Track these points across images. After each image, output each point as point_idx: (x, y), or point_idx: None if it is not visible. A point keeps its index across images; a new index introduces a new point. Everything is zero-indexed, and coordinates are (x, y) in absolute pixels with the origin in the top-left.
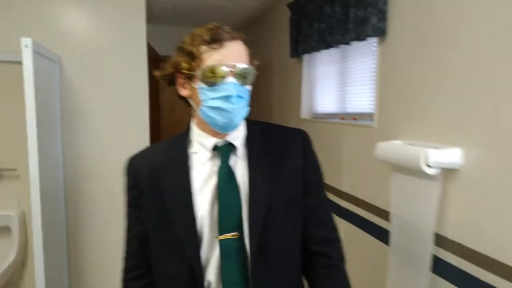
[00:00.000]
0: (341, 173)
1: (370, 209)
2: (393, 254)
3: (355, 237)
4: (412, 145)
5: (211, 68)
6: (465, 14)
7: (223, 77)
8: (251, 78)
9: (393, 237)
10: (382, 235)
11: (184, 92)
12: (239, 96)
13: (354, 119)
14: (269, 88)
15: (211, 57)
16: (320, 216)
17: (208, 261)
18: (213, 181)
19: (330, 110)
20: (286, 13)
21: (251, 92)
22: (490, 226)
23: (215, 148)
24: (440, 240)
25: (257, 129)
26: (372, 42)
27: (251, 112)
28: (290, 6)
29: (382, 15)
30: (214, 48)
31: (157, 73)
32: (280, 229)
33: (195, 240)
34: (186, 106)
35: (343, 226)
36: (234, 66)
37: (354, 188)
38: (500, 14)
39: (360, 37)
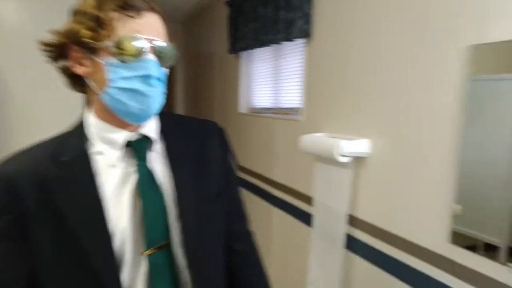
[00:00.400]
0: (274, 164)
1: (298, 196)
2: (315, 235)
3: (285, 222)
4: (331, 137)
5: (128, 39)
6: (378, 20)
7: (140, 52)
8: (171, 61)
9: (316, 220)
10: (307, 218)
11: (80, 69)
12: (159, 79)
13: (286, 113)
14: (210, 82)
15: (127, 26)
16: (240, 209)
17: (132, 285)
18: (130, 185)
19: (265, 105)
20: (226, 10)
21: (193, 85)
22: (393, 205)
23: (128, 144)
24: (353, 221)
25: (171, 121)
26: (300, 43)
27: (195, 106)
28: (228, 3)
29: (307, 18)
30: (130, 16)
31: (42, 43)
32: (213, 230)
33: (113, 262)
34: (77, 90)
35: (275, 213)
36: (154, 42)
37: (284, 177)
38: (407, 21)
39: (289, 38)
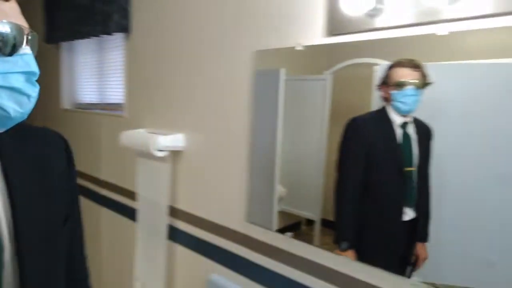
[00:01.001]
0: (101, 162)
1: (125, 193)
2: (140, 230)
3: (114, 222)
4: (151, 132)
5: (5, 27)
6: (188, 23)
7: (15, 43)
8: (35, 51)
9: (140, 215)
10: (133, 214)
11: None
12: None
13: (112, 109)
14: None
15: None
16: (81, 235)
17: None
18: None
19: (92, 100)
20: None
21: None
22: (205, 194)
23: None
24: (175, 212)
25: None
26: (120, 37)
27: None
28: None
29: (125, 13)
30: None
31: None
32: (59, 267)
33: None
34: None
35: (104, 214)
36: (26, 30)
37: (111, 175)
38: (209, 27)
39: (107, 31)
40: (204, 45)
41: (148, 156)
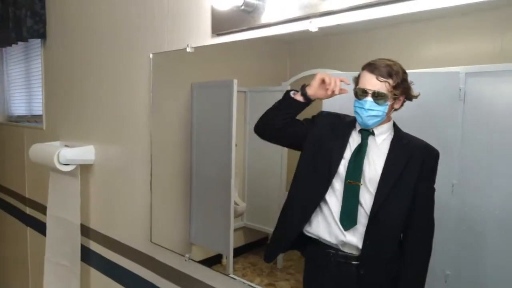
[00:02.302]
0: (25, 178)
1: (37, 207)
2: (49, 247)
3: (40, 241)
4: (66, 145)
5: None
6: (97, 31)
7: None
8: None
9: (49, 231)
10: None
11: None
12: None
13: (36, 121)
14: None
15: None
16: None
17: None
18: None
19: (20, 112)
20: None
21: None
22: (113, 211)
23: None
24: (88, 231)
25: None
26: (38, 45)
27: None
28: None
29: (40, 18)
30: None
31: None
32: None
33: None
34: None
35: (30, 234)
36: None
37: (33, 191)
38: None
39: (22, 38)
40: (106, 50)
41: (57, 170)
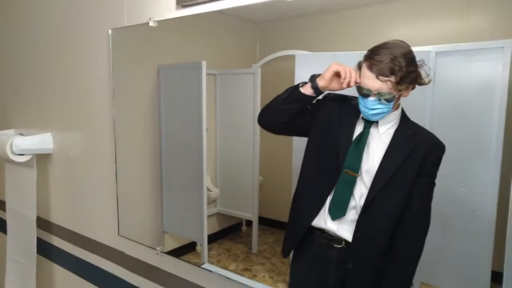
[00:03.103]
0: None
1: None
2: (10, 244)
3: None
4: (22, 134)
5: None
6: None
7: None
8: None
9: (9, 227)
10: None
11: None
12: None
13: None
14: None
15: None
16: None
17: None
18: None
19: None
20: None
21: None
22: (76, 204)
23: None
24: (49, 226)
25: None
26: None
27: None
28: None
29: None
30: None
31: None
32: None
33: None
34: None
35: None
36: None
37: None
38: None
39: None
40: (58, 27)
41: (12, 161)
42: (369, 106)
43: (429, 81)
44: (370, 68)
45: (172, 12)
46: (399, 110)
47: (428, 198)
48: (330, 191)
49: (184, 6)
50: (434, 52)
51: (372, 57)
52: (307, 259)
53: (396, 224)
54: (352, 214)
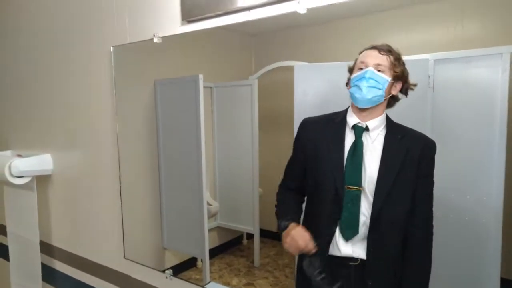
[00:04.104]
0: None
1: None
2: (13, 270)
3: None
4: (20, 155)
5: None
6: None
7: None
8: None
9: (11, 253)
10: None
11: None
12: None
13: None
14: None
15: None
16: None
17: None
18: None
19: None
20: None
21: None
22: (79, 226)
23: None
24: (51, 250)
25: None
26: None
27: None
28: None
29: None
30: None
31: None
32: None
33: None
34: None
35: None
36: None
37: None
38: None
39: None
40: (59, 45)
41: (11, 184)
42: (367, 76)
43: (416, 84)
44: (372, 47)
45: (177, 27)
46: (384, 115)
47: (430, 199)
48: (337, 212)
49: (190, 22)
50: (432, 60)
51: (372, 45)
52: (316, 277)
53: (405, 229)
54: (364, 231)
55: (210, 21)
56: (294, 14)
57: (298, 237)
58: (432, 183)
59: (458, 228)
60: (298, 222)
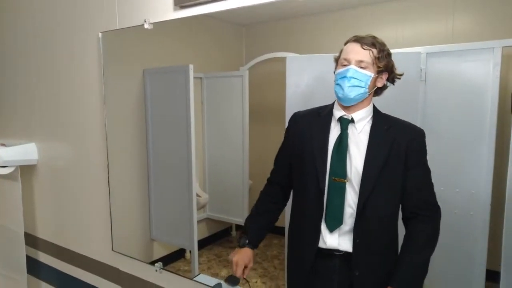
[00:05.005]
0: None
1: None
2: None
3: None
4: (3, 144)
5: None
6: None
7: None
8: None
9: None
10: None
11: None
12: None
13: None
14: None
15: None
16: None
17: None
18: None
19: None
20: None
21: None
22: (69, 218)
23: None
24: (35, 241)
25: None
26: None
27: None
28: None
29: None
30: None
31: None
32: None
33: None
34: None
35: None
36: None
37: None
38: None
39: None
40: (47, 33)
41: None
42: (349, 75)
43: (402, 74)
44: (356, 40)
45: (170, 13)
46: (371, 106)
47: (428, 187)
48: (322, 204)
49: (183, 7)
50: (424, 53)
51: (355, 36)
52: (306, 269)
53: (395, 220)
54: (351, 223)
55: (204, 7)
56: (286, 4)
57: (238, 261)
58: (427, 170)
59: (447, 221)
60: (258, 240)
